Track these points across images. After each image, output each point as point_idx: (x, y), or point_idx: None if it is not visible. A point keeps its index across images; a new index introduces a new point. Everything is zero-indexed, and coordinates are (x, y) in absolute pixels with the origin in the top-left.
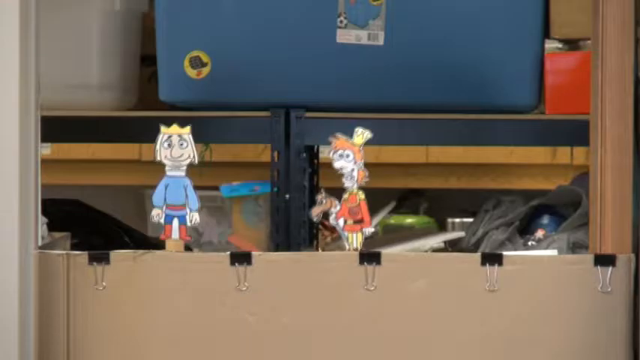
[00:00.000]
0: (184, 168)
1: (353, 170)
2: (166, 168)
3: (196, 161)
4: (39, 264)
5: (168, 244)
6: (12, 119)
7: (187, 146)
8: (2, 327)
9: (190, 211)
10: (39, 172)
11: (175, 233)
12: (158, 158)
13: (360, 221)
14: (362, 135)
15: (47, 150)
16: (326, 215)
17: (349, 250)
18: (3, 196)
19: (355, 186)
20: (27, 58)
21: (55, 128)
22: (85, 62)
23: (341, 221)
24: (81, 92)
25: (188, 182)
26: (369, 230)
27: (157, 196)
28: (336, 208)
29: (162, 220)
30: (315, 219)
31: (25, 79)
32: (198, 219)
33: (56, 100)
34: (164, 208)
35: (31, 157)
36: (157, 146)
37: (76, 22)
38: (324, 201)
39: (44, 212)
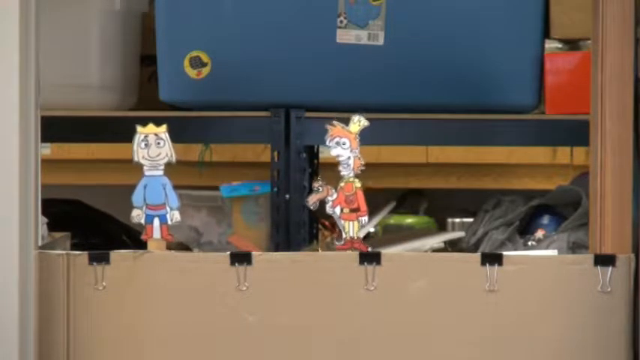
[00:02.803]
0: (162, 167)
1: (349, 158)
2: (144, 168)
3: (174, 160)
4: (39, 264)
5: (150, 244)
6: (12, 119)
7: (164, 145)
8: (2, 327)
9: (171, 209)
10: (39, 172)
11: (157, 233)
12: (136, 159)
13: (356, 210)
14: (358, 122)
15: (47, 150)
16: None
17: (346, 238)
18: (3, 196)
19: (351, 174)
20: (27, 58)
21: (55, 128)
22: (85, 62)
23: (337, 209)
24: (81, 92)
25: (167, 181)
26: (365, 219)
27: (137, 196)
28: (332, 196)
29: (142, 221)
30: (311, 207)
31: (25, 79)
32: (179, 217)
33: (56, 100)
34: (144, 208)
35: (31, 157)
36: (134, 147)
37: (76, 22)
38: (320, 189)
39: (44, 212)
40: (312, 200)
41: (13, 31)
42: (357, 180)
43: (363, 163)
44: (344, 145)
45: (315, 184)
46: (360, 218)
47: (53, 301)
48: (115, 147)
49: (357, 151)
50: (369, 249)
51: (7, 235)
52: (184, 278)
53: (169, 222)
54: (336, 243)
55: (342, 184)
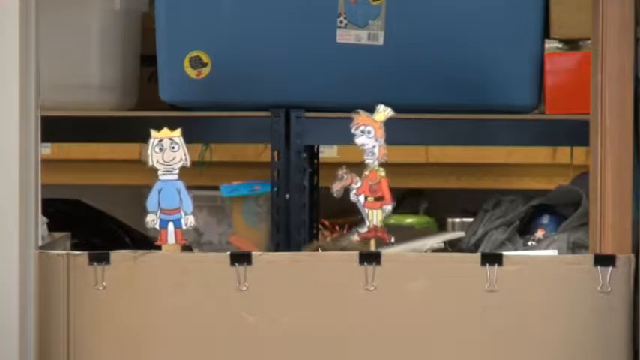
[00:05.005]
0: (177, 171)
1: (374, 147)
2: (159, 173)
3: (188, 164)
4: (39, 264)
5: (165, 249)
6: (12, 119)
7: (179, 149)
8: (2, 327)
9: (185, 214)
10: (39, 172)
11: (171, 238)
12: (150, 163)
13: (380, 198)
14: (383, 112)
15: (47, 150)
16: (331, 216)
17: (369, 226)
18: (3, 196)
19: (376, 163)
20: (27, 58)
21: (55, 128)
22: (85, 62)
23: (361, 198)
24: (81, 92)
25: (181, 185)
26: (389, 208)
27: (151, 201)
28: (356, 184)
29: (157, 226)
30: (335, 194)
31: (25, 79)
32: (193, 222)
33: (56, 100)
34: (159, 213)
35: (31, 157)
36: (149, 151)
37: (76, 22)
38: (345, 176)
39: (44, 212)
40: (336, 188)
41: (13, 31)
42: (381, 169)
43: (387, 152)
44: (369, 133)
45: (340, 172)
46: (384, 207)
47: (53, 301)
48: (115, 147)
49: (382, 140)
50: (392, 239)
51: (7, 235)
52: (184, 278)
53: (184, 227)
54: (359, 230)
55: (366, 173)
